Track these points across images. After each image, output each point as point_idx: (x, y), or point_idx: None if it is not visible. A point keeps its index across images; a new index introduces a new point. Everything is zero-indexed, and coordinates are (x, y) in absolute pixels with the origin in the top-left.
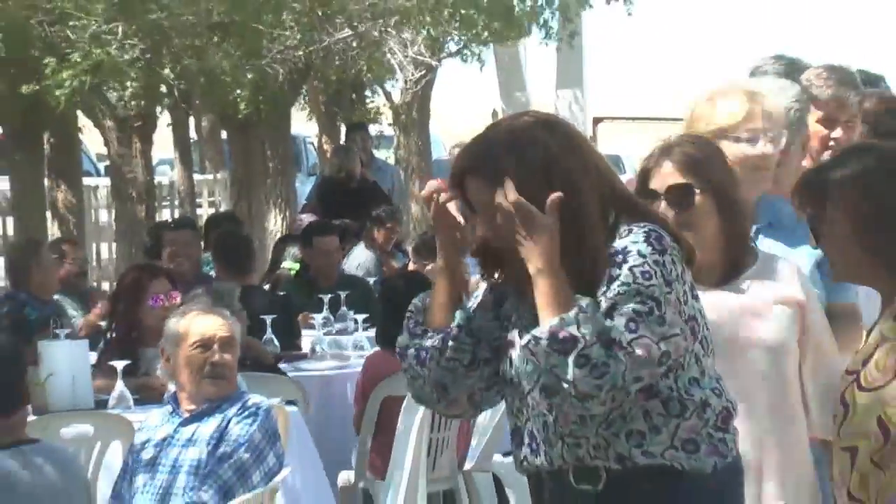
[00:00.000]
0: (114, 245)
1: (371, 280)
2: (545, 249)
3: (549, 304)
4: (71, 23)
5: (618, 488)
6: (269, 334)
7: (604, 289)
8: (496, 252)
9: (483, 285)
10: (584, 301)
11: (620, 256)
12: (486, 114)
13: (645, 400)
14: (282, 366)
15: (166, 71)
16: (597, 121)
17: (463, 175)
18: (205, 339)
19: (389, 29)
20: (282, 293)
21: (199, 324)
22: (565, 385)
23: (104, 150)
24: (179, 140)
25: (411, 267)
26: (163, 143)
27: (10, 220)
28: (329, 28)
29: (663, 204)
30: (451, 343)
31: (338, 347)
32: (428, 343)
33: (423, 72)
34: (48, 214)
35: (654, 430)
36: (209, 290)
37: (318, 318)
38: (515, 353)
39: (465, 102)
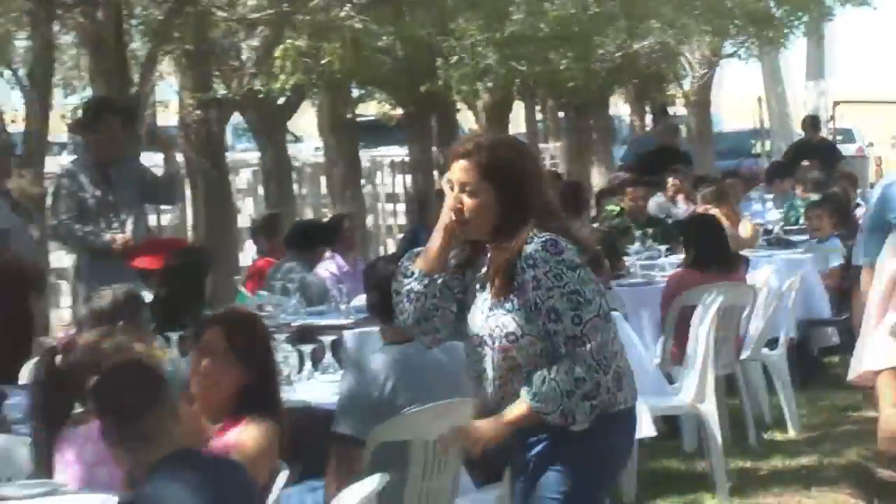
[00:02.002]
0: None
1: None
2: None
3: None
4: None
5: None
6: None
7: (527, 285)
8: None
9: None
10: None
11: (530, 261)
12: (754, 97)
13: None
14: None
15: (523, 68)
16: (836, 104)
17: (460, 155)
18: None
19: (682, 38)
20: (605, 229)
21: None
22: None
23: (475, 126)
24: (529, 119)
25: (700, 210)
26: (517, 121)
27: (408, 178)
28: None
29: None
30: (437, 290)
31: (648, 269)
32: (416, 286)
33: (706, 69)
34: (436, 173)
35: None
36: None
37: (632, 248)
38: (476, 314)
39: (738, 88)
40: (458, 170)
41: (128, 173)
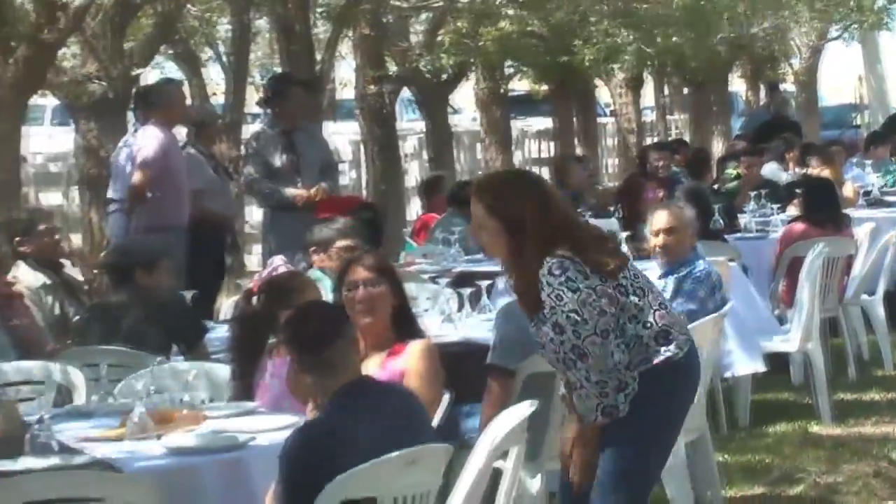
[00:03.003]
0: (617, 160)
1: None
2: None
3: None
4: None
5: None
6: (716, 216)
7: (543, 306)
8: None
9: None
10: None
11: (541, 284)
12: (852, 75)
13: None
14: (726, 236)
15: (650, 50)
16: None
17: (472, 194)
18: (655, 230)
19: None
20: (724, 191)
21: (656, 219)
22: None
23: (609, 101)
24: (657, 94)
25: (812, 173)
26: (648, 96)
27: (552, 144)
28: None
29: None
30: None
31: (762, 224)
32: None
33: (813, 51)
34: (575, 140)
35: None
36: (685, 190)
37: (748, 207)
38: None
39: (838, 66)
40: (472, 207)
41: (311, 138)
